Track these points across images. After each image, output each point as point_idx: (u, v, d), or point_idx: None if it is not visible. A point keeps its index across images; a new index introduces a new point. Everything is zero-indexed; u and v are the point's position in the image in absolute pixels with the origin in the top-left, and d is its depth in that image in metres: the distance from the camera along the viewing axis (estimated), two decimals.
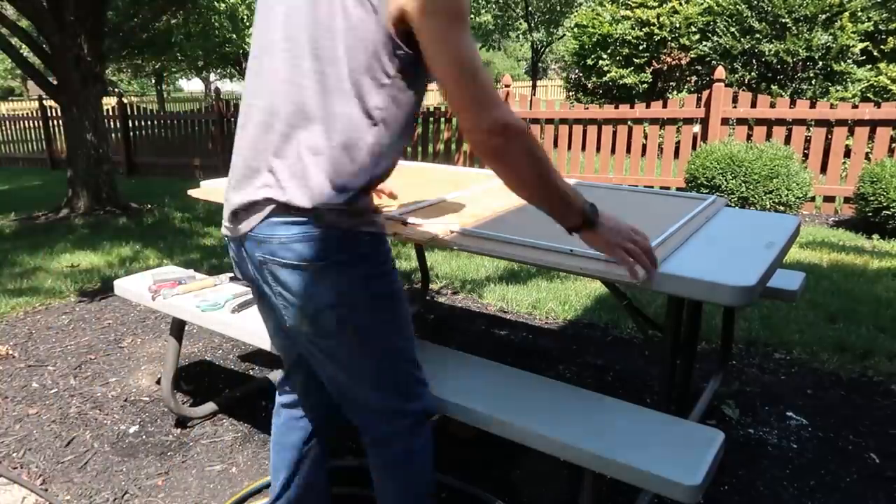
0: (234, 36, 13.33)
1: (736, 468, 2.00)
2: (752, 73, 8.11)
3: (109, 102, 10.30)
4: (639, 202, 2.03)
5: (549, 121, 7.44)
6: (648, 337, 1.91)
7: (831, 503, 1.85)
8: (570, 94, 10.78)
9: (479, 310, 3.48)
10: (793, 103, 5.84)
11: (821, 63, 7.66)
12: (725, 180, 5.31)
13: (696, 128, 6.51)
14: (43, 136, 11.55)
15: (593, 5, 10.27)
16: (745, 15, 8.01)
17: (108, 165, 6.74)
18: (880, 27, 7.67)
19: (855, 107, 5.68)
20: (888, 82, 7.49)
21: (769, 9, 7.80)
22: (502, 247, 1.57)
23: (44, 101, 11.09)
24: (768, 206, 5.23)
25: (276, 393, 1.56)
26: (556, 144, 7.34)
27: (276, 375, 2.61)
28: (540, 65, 25.22)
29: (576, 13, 11.89)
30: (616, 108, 6.77)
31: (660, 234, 1.60)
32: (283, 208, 1.14)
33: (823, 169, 5.96)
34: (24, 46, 6.88)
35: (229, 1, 12.51)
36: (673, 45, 8.90)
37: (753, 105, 6.03)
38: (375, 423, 1.35)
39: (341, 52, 1.09)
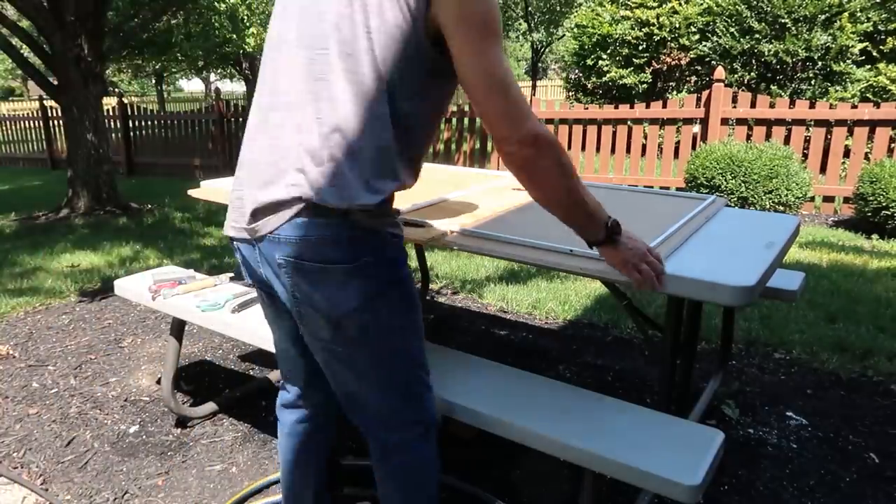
0: (234, 36, 13.32)
1: (736, 468, 2.00)
2: (752, 74, 8.12)
3: (110, 102, 10.31)
4: (639, 202, 2.04)
5: (549, 121, 7.43)
6: (648, 337, 1.91)
7: (831, 503, 1.85)
8: (570, 94, 10.78)
9: (479, 310, 3.48)
10: (792, 103, 5.84)
11: (820, 63, 7.67)
12: (725, 180, 5.31)
13: (696, 128, 6.51)
14: (43, 136, 11.55)
15: (593, 5, 10.27)
16: (744, 15, 8.01)
17: (108, 165, 6.74)
18: (879, 27, 7.67)
19: (854, 107, 5.68)
20: (887, 82, 7.49)
21: (769, 9, 7.80)
22: (502, 247, 1.57)
23: (44, 101, 11.10)
24: (768, 206, 5.23)
25: (281, 411, 1.50)
26: None
27: (276, 375, 2.61)
28: (540, 65, 25.23)
29: (576, 13, 11.89)
30: (616, 108, 6.77)
31: (660, 234, 1.60)
32: (314, 208, 1.11)
33: (823, 169, 5.97)
34: (24, 47, 6.88)
35: (229, 1, 12.49)
36: (673, 45, 8.90)
37: (753, 105, 6.03)
38: (387, 430, 1.32)
39: (376, 54, 1.08)
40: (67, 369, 2.85)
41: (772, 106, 5.95)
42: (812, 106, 5.77)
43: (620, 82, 9.35)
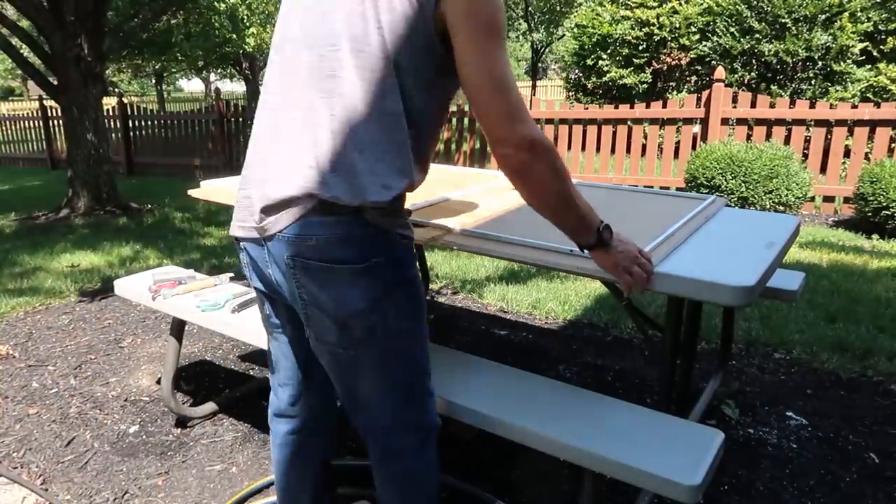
0: (234, 36, 13.33)
1: (736, 468, 2.00)
2: (752, 74, 8.12)
3: (109, 102, 10.31)
4: (639, 202, 2.03)
5: (549, 121, 7.44)
6: (648, 337, 1.91)
7: (831, 503, 1.85)
8: (570, 94, 10.78)
9: (479, 310, 3.48)
10: (792, 103, 5.84)
11: (820, 63, 7.67)
12: (725, 180, 5.32)
13: (696, 128, 6.51)
14: (43, 136, 11.55)
15: (593, 5, 10.27)
16: (744, 15, 8.01)
17: (108, 165, 6.75)
18: (880, 27, 7.67)
19: (854, 107, 5.68)
20: (888, 82, 7.50)
21: (769, 9, 7.80)
22: (502, 247, 1.57)
23: (44, 101, 11.10)
24: (768, 206, 5.23)
25: (273, 420, 1.47)
26: (555, 144, 7.33)
27: None
28: (540, 65, 25.24)
29: (576, 13, 11.89)
30: (616, 108, 6.77)
31: (660, 233, 1.60)
32: (326, 206, 1.10)
33: (823, 169, 5.97)
34: (24, 46, 6.88)
35: (229, 1, 12.50)
36: (673, 45, 8.90)
37: (753, 105, 6.03)
38: (388, 435, 1.31)
39: (388, 50, 1.08)
40: (67, 369, 2.85)
41: (772, 106, 5.95)
42: (812, 106, 5.77)
43: (620, 82, 9.35)
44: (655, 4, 9.07)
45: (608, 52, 9.50)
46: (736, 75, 8.13)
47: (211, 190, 2.31)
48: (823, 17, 7.55)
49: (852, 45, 7.52)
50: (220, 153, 9.29)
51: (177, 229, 5.77)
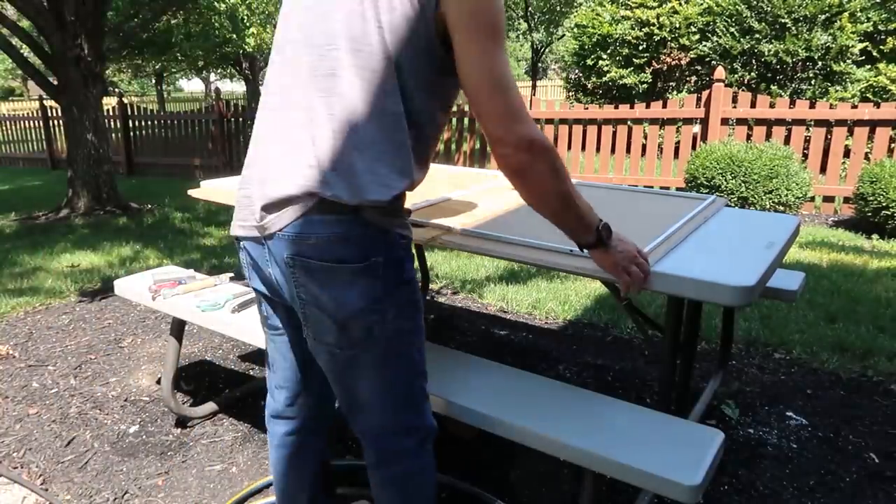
0: (234, 36, 13.33)
1: (736, 468, 2.00)
2: (752, 74, 8.12)
3: (109, 102, 10.31)
4: (639, 202, 2.04)
5: (549, 121, 7.44)
6: (648, 337, 1.91)
7: (831, 503, 1.85)
8: (570, 94, 10.79)
9: (479, 310, 3.48)
10: (792, 103, 5.84)
11: (820, 63, 7.67)
12: (725, 180, 5.32)
13: (696, 128, 6.51)
14: (43, 136, 11.56)
15: (593, 5, 10.27)
16: (744, 15, 8.01)
17: (108, 165, 6.75)
18: (879, 27, 7.67)
19: (854, 107, 5.69)
20: (887, 82, 7.50)
21: (769, 9, 7.81)
22: (502, 247, 1.57)
23: (44, 101, 11.10)
24: (768, 206, 5.23)
25: (270, 422, 1.47)
26: (555, 144, 7.33)
27: None
28: (540, 65, 25.23)
29: (576, 13, 11.89)
30: (616, 108, 6.77)
31: (660, 233, 1.60)
32: (326, 204, 1.10)
33: (823, 169, 5.97)
34: (24, 47, 6.89)
35: (229, 1, 12.51)
36: (673, 45, 8.90)
37: (753, 105, 6.03)
38: (386, 437, 1.31)
39: (389, 50, 1.08)
40: (67, 369, 2.85)
41: (772, 106, 5.95)
42: (812, 106, 5.77)
43: (620, 82, 9.36)
44: (655, 4, 9.07)
45: (608, 52, 9.50)
46: (736, 75, 8.13)
47: (211, 190, 2.31)
48: (823, 17, 7.55)
49: (852, 46, 7.52)
50: (220, 153, 9.29)
51: (177, 229, 5.77)
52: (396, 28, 1.07)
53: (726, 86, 6.20)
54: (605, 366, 2.75)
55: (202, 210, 6.63)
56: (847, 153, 5.91)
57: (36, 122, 11.65)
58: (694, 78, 9.05)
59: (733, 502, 1.85)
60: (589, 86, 10.00)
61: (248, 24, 13.74)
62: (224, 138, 9.26)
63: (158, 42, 10.28)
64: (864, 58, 7.75)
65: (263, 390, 1.50)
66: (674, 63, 8.93)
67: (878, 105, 5.61)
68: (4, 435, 2.32)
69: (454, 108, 8.11)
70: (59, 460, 2.15)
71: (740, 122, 6.13)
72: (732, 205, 5.12)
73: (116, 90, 19.08)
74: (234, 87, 32.02)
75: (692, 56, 8.73)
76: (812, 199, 5.85)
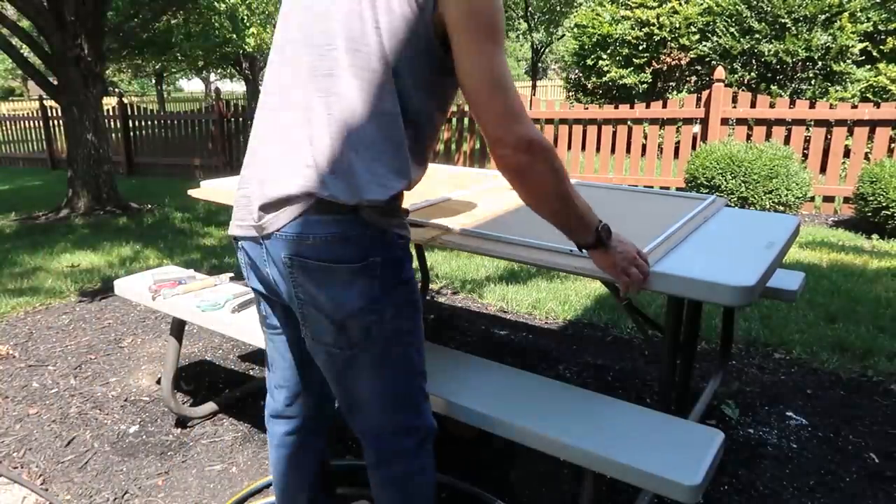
0: (234, 36, 13.33)
1: (736, 468, 2.00)
2: (752, 74, 8.12)
3: (109, 102, 10.31)
4: (638, 202, 2.04)
5: (549, 121, 7.44)
6: (648, 337, 1.91)
7: (831, 503, 1.85)
8: (570, 94, 10.79)
9: (479, 310, 3.48)
10: (792, 103, 5.84)
11: (820, 63, 7.67)
12: (725, 180, 5.32)
13: (696, 128, 6.51)
14: (43, 136, 11.56)
15: (593, 5, 10.27)
16: (744, 15, 8.01)
17: (108, 165, 6.75)
18: (879, 27, 7.67)
19: (854, 107, 5.69)
20: (887, 82, 7.50)
21: (769, 9, 7.81)
22: (502, 247, 1.57)
23: (44, 101, 11.10)
24: (768, 206, 5.23)
25: (270, 421, 1.47)
26: (555, 144, 7.34)
27: None
28: (540, 65, 25.23)
29: (576, 13, 11.89)
30: (616, 108, 6.77)
31: (660, 233, 1.60)
32: (324, 204, 1.10)
33: (823, 169, 5.97)
34: (24, 47, 6.88)
35: (229, 1, 12.51)
36: (673, 45, 8.90)
37: (753, 105, 6.03)
38: (385, 438, 1.30)
39: (386, 50, 1.08)
40: (67, 369, 2.85)
41: (772, 106, 5.95)
42: (812, 106, 5.77)
43: (620, 82, 9.36)
44: (655, 4, 9.07)
45: (608, 52, 9.50)
46: (736, 75, 8.13)
47: (211, 190, 2.31)
48: (823, 17, 7.55)
49: (852, 46, 7.52)
50: (220, 153, 9.29)
51: (177, 229, 5.77)
52: (395, 29, 1.07)
53: (726, 86, 6.20)
54: (605, 366, 2.75)
55: (202, 210, 6.63)
56: (847, 153, 5.91)
57: (36, 122, 11.65)
58: (694, 78, 9.05)
59: (733, 502, 1.85)
60: (589, 86, 10.00)
61: (248, 24, 13.74)
62: (224, 138, 9.26)
63: (158, 42, 10.28)
64: (864, 58, 7.75)
65: (263, 390, 1.50)
66: (674, 63, 8.93)
67: (878, 105, 5.61)
68: (4, 435, 2.32)
69: (454, 108, 8.11)
70: (59, 460, 2.15)
71: (740, 122, 6.13)
72: (732, 205, 5.12)
73: (116, 90, 19.08)
74: (234, 87, 32.03)
75: (692, 56, 8.74)
76: (812, 199, 5.85)
